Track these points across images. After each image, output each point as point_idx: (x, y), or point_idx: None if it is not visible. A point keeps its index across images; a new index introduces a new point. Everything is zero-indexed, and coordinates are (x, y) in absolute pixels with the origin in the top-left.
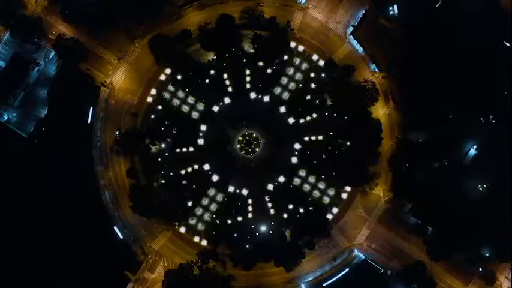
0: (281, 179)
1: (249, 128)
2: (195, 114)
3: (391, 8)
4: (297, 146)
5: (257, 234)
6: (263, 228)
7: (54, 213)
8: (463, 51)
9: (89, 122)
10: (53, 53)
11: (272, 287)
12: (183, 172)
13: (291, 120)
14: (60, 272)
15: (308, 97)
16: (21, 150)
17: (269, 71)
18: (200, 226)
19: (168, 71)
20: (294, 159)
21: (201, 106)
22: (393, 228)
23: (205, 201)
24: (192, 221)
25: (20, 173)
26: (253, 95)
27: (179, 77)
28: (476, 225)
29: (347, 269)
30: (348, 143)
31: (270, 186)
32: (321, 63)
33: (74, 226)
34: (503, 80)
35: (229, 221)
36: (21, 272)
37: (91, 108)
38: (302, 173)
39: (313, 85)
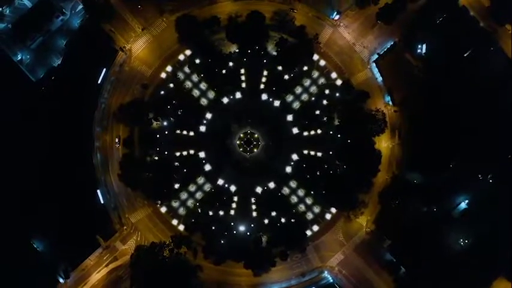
0: (271, 184)
1: (252, 127)
2: (203, 101)
3: (419, 46)
4: (295, 156)
5: (234, 232)
6: (242, 228)
7: (43, 162)
8: (480, 106)
9: (99, 82)
10: (80, 7)
11: (236, 287)
12: (177, 154)
13: (295, 130)
14: (35, 222)
15: (317, 112)
16: (26, 94)
17: (286, 77)
18: (181, 210)
19: (188, 52)
20: (289, 169)
21: (211, 94)
22: (368, 259)
23: (192, 188)
24: (175, 204)
25: (20, 115)
26: (264, 97)
27: (197, 61)
28: (449, 277)
29: None
30: (345, 167)
31: (259, 189)
32: (339, 82)
33: (58, 180)
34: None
35: (210, 213)
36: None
37: (104, 69)
38: (293, 184)
39: (325, 101)
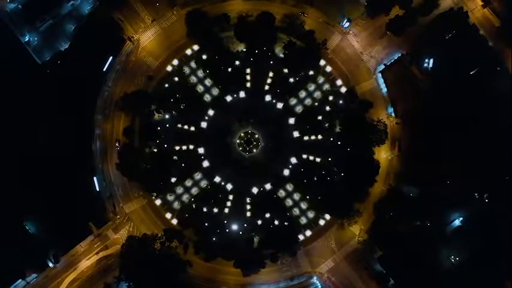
0: (267, 186)
1: (253, 127)
2: (207, 97)
3: (426, 61)
4: (293, 160)
5: (227, 230)
6: (234, 226)
7: (42, 146)
8: (482, 125)
9: (104, 70)
10: None
11: (224, 285)
12: (177, 148)
13: (295, 134)
14: (29, 203)
15: (319, 118)
16: (31, 75)
17: (291, 80)
18: (176, 205)
19: (195, 47)
20: (286, 172)
21: (215, 91)
22: (357, 269)
23: (188, 183)
24: (170, 197)
25: (23, 96)
26: (268, 98)
27: (204, 57)
28: None
29: None
30: (342, 174)
31: (255, 190)
32: (343, 89)
33: (56, 164)
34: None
35: (204, 209)
36: None
37: (111, 57)
38: (289, 187)
39: (328, 108)
